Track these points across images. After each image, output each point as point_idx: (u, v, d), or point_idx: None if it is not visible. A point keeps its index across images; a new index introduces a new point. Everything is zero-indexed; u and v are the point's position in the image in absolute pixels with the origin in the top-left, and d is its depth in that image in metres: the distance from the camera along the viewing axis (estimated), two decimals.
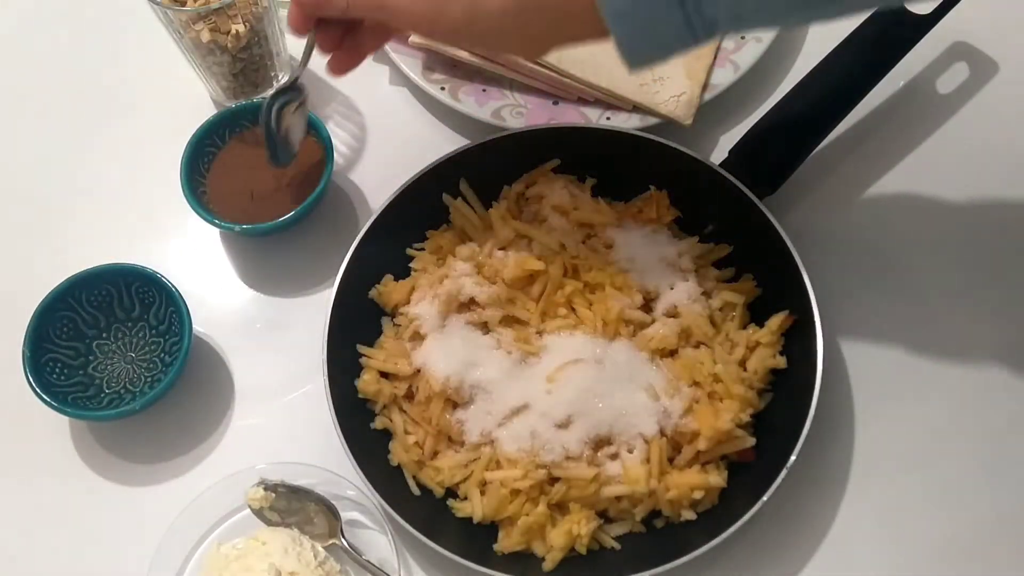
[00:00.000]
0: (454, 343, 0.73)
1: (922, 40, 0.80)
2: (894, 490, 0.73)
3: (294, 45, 0.91)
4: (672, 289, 0.74)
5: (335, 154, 0.82)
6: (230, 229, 0.80)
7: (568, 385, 0.70)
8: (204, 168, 0.83)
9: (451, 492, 0.72)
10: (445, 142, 0.86)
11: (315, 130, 0.82)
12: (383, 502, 0.69)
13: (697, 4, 0.53)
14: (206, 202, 0.82)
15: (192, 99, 0.91)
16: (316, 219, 0.84)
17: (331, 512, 0.72)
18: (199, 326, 0.79)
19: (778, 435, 0.69)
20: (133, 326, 0.80)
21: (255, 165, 0.83)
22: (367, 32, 0.69)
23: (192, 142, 0.82)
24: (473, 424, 0.71)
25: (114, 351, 0.79)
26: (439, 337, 0.74)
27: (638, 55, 0.57)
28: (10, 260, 0.86)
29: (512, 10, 0.59)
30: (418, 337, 0.75)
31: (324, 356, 0.73)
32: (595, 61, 0.84)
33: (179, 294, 0.77)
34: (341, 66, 0.70)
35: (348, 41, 0.69)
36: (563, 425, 0.70)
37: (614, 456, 0.70)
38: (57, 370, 0.77)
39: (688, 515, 0.69)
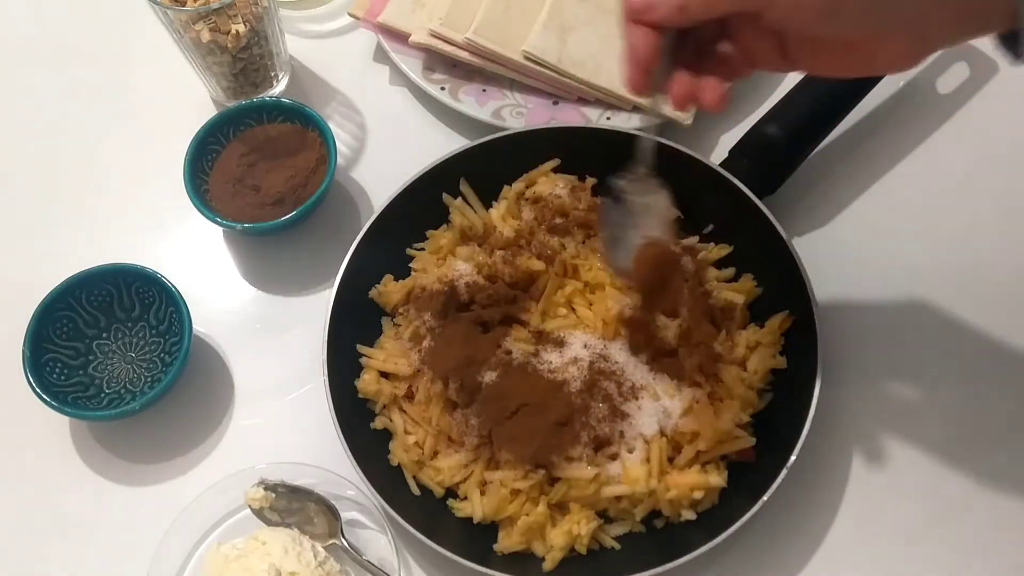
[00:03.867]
0: (454, 343, 0.73)
1: None
2: (894, 490, 0.72)
3: (294, 45, 0.91)
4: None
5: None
6: (232, 227, 0.80)
7: (568, 385, 0.70)
8: (207, 167, 0.83)
9: (451, 492, 0.72)
10: (445, 142, 0.86)
11: (318, 129, 0.82)
12: (383, 502, 0.69)
13: None
14: (208, 200, 0.82)
15: (192, 99, 0.91)
16: (317, 219, 0.84)
17: (331, 512, 0.72)
18: (199, 326, 0.79)
19: (778, 435, 0.69)
20: (133, 326, 0.80)
21: (257, 164, 0.83)
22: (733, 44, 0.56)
23: (196, 141, 0.82)
24: (473, 424, 0.71)
25: (114, 351, 0.79)
26: (439, 337, 0.74)
27: None
28: (11, 260, 0.86)
29: None
30: (418, 337, 0.75)
31: (324, 356, 0.73)
32: (595, 61, 0.84)
33: (179, 294, 0.77)
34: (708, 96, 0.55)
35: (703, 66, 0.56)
36: (563, 425, 0.70)
37: (614, 456, 0.70)
38: (57, 370, 0.77)
39: (688, 515, 0.69)
